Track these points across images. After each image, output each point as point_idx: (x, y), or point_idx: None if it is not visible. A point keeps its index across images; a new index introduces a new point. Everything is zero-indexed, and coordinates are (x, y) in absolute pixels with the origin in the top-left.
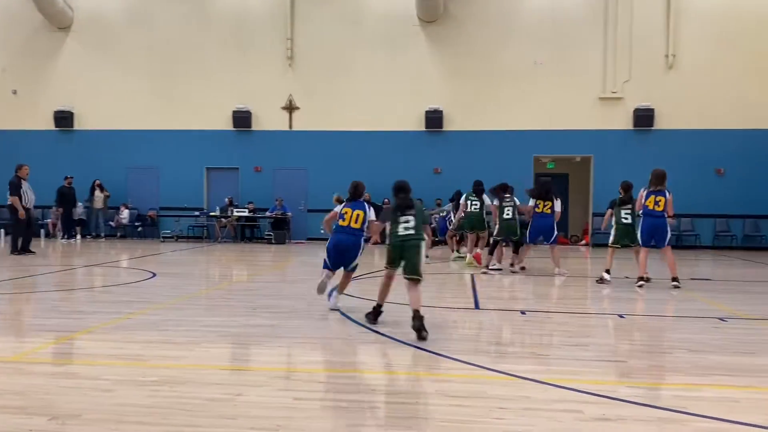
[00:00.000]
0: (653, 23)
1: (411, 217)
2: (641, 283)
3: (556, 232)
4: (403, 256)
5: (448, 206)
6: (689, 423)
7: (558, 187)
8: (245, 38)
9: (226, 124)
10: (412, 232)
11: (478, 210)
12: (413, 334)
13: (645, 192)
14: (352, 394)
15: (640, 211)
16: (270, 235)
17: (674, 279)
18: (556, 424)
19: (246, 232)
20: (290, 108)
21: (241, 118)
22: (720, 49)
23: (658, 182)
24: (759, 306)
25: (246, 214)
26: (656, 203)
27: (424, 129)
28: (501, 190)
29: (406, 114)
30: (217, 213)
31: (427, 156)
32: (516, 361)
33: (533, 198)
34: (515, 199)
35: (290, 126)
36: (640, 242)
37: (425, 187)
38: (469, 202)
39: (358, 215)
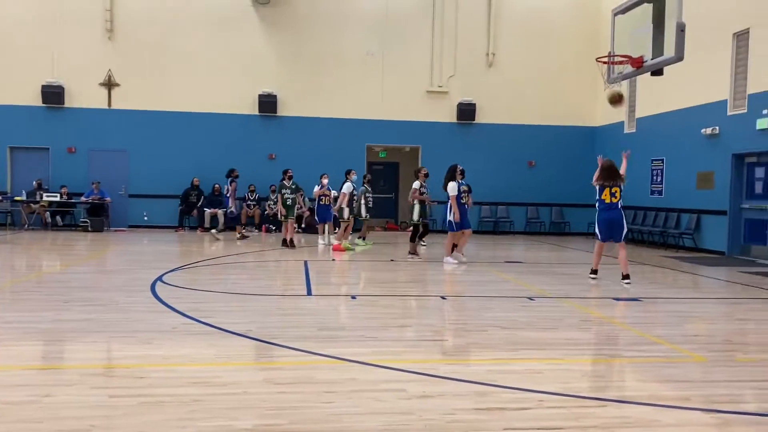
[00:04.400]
0: (476, 22)
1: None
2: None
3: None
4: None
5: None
6: (499, 395)
7: (389, 175)
8: (57, 6)
9: (34, 99)
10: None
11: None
12: (242, 325)
13: (599, 185)
14: (174, 389)
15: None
16: (86, 222)
17: (625, 276)
18: (381, 404)
19: (58, 219)
20: (109, 84)
21: (52, 94)
22: (532, 51)
23: (612, 176)
24: (563, 286)
25: (58, 199)
26: (612, 195)
27: (257, 113)
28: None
29: (238, 97)
30: (24, 197)
31: (260, 141)
32: (344, 345)
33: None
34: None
35: (109, 104)
36: (600, 237)
37: (260, 174)
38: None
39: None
